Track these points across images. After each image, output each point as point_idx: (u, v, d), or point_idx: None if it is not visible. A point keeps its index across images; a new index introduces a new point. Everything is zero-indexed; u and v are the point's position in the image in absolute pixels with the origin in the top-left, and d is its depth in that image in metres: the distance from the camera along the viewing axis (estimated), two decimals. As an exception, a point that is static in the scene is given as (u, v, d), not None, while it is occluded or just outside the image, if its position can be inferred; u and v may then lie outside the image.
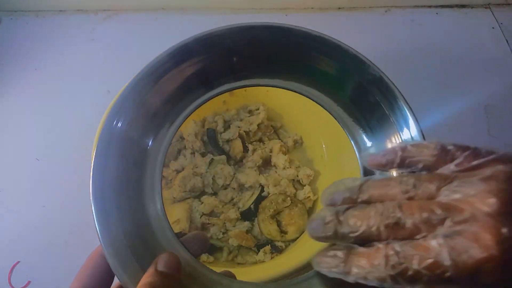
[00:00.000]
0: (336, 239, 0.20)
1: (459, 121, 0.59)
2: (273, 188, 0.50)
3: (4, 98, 0.57)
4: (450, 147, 0.20)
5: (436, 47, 0.65)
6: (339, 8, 0.69)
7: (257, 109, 0.54)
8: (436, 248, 0.17)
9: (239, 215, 0.49)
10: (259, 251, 0.47)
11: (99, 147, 0.26)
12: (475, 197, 0.17)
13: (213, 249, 0.47)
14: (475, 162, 0.19)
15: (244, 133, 0.53)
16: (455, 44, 0.66)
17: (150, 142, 0.28)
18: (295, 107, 0.52)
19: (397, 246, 0.18)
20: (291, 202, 0.49)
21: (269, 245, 0.47)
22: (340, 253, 0.20)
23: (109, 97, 0.43)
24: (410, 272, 0.17)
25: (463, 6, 0.70)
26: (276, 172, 0.52)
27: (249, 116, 0.54)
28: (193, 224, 0.48)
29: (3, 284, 0.44)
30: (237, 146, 0.52)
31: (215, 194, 0.51)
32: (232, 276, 0.27)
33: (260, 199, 0.50)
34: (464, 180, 0.18)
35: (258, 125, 0.53)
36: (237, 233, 0.47)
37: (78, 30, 0.64)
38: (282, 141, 0.54)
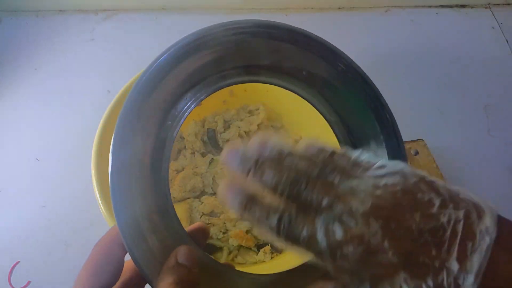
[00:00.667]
0: (243, 174, 0.23)
1: (459, 121, 0.59)
2: (273, 188, 0.50)
3: (4, 98, 0.57)
4: (363, 161, 0.23)
5: (436, 47, 0.65)
6: (339, 8, 0.69)
7: (257, 109, 0.54)
8: (317, 224, 0.21)
9: (239, 215, 0.49)
10: (259, 251, 0.47)
11: (121, 124, 0.26)
12: (361, 195, 0.20)
13: (213, 249, 0.47)
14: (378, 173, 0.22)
15: (244, 133, 0.53)
16: (455, 44, 0.66)
17: (169, 122, 0.28)
18: (295, 107, 0.52)
19: (293, 212, 0.21)
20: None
21: (269, 245, 0.47)
22: (244, 197, 0.23)
23: (109, 97, 0.43)
24: (293, 236, 0.21)
25: (463, 6, 0.70)
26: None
27: (249, 116, 0.54)
28: (193, 224, 0.48)
29: (3, 284, 0.44)
30: (237, 146, 0.52)
31: (215, 194, 0.51)
32: (232, 267, 0.28)
33: (260, 199, 0.50)
34: (363, 181, 0.21)
35: (258, 125, 0.53)
36: (237, 233, 0.47)
37: (78, 30, 0.64)
38: (282, 141, 0.54)
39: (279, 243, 0.22)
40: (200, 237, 0.28)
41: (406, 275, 0.19)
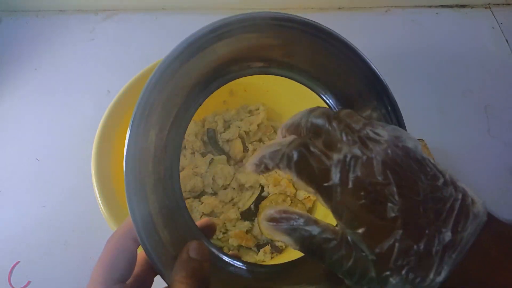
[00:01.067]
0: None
1: (459, 121, 0.59)
2: (273, 188, 0.50)
3: (4, 98, 0.57)
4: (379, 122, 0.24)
5: (436, 47, 0.65)
6: (339, 8, 0.69)
7: (257, 109, 0.54)
8: (335, 158, 0.21)
9: (239, 215, 0.49)
10: (259, 251, 0.47)
11: (137, 118, 0.25)
12: (384, 145, 0.21)
13: (213, 249, 0.47)
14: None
15: (244, 133, 0.53)
16: (455, 44, 0.66)
17: (180, 116, 0.28)
18: (295, 107, 0.52)
19: (313, 141, 0.22)
20: (291, 202, 0.49)
21: (269, 245, 0.47)
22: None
23: (109, 97, 0.43)
24: (307, 166, 0.21)
25: (463, 6, 0.70)
26: (276, 172, 0.52)
27: (249, 116, 0.54)
28: (193, 224, 0.48)
29: (3, 284, 0.44)
30: (237, 146, 0.52)
31: (215, 194, 0.51)
32: (238, 257, 0.29)
33: (260, 199, 0.50)
34: (384, 133, 0.22)
35: (258, 125, 0.53)
36: (237, 233, 0.47)
37: (78, 30, 0.64)
38: (282, 141, 0.54)
39: (287, 171, 0.22)
40: (207, 232, 0.29)
41: (402, 233, 0.19)
